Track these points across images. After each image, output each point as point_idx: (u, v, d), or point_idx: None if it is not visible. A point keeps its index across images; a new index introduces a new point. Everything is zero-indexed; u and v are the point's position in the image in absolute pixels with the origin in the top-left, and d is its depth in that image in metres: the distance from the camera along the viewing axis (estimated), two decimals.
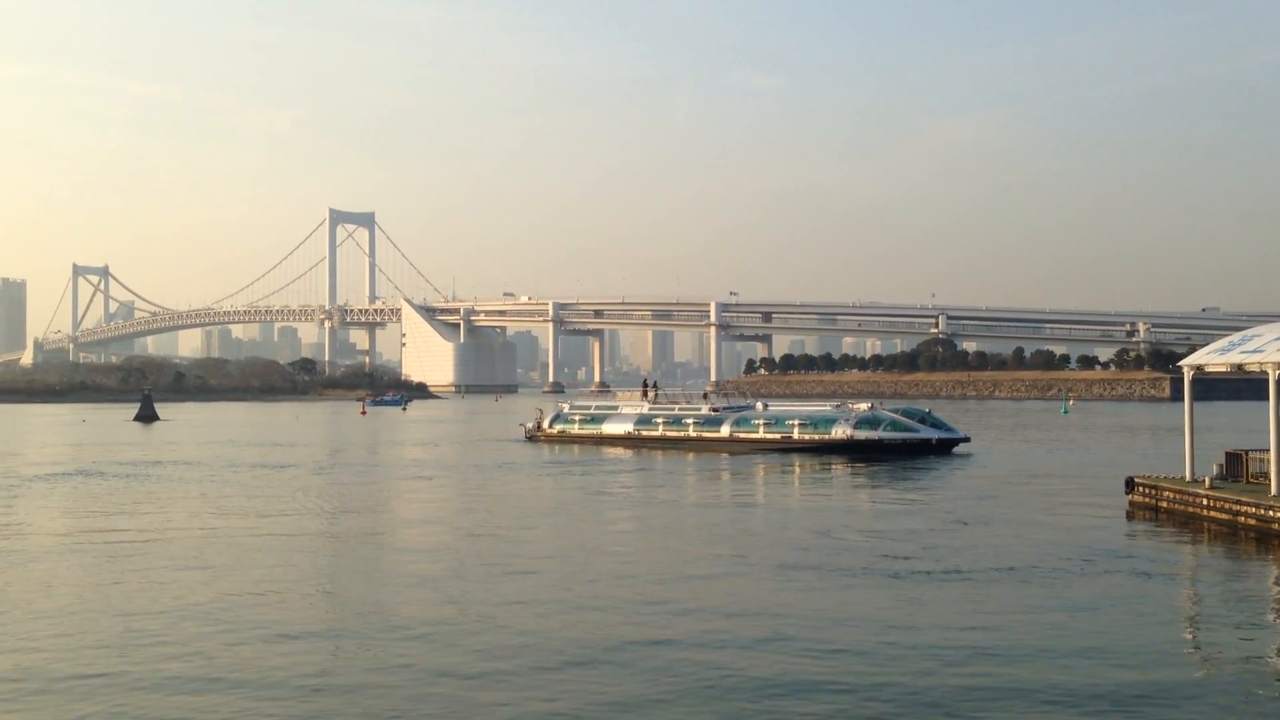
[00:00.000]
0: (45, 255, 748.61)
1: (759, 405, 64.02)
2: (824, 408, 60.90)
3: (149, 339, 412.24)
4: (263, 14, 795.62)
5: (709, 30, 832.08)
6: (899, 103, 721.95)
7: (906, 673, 14.33)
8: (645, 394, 72.02)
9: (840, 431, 54.43)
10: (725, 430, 58.67)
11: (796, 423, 56.71)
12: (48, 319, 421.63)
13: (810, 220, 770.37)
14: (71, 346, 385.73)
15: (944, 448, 54.18)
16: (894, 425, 54.53)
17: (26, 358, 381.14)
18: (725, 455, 54.55)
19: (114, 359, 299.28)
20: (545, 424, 68.24)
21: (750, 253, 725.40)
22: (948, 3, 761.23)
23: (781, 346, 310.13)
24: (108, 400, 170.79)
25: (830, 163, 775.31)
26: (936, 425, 56.14)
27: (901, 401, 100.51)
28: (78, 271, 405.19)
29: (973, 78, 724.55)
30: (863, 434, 53.82)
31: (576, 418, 67.40)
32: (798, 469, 47.14)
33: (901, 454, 52.24)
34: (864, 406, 58.47)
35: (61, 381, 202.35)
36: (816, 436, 55.18)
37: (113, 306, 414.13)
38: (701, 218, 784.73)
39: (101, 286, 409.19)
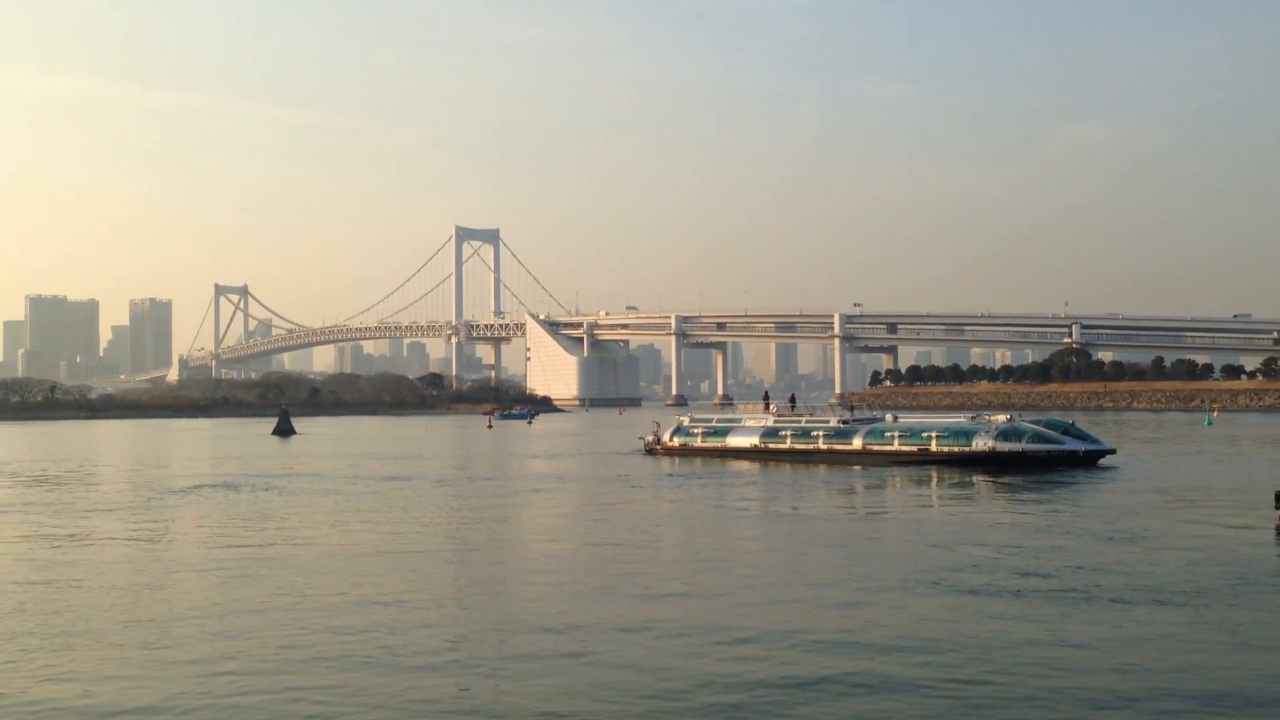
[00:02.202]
0: (189, 276, 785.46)
1: (889, 417, 62.41)
2: (959, 419, 59.16)
3: (285, 355, 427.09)
4: (390, 37, 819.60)
5: (833, 39, 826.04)
6: (1030, 107, 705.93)
7: (1040, 701, 13.76)
8: (767, 406, 70.83)
9: (981, 443, 52.45)
10: (857, 442, 57.32)
11: (934, 434, 54.77)
12: (191, 337, 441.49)
13: (937, 228, 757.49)
14: (214, 363, 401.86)
15: (1090, 460, 52.07)
16: (1037, 437, 52.50)
17: (173, 374, 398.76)
18: (858, 468, 53.40)
19: (253, 375, 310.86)
20: (665, 437, 67.86)
21: (875, 262, 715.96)
22: (1079, 4, 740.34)
23: (907, 358, 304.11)
24: (248, 415, 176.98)
25: (958, 169, 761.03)
26: (1081, 437, 53.98)
27: (1034, 413, 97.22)
28: (219, 291, 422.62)
29: (1106, 80, 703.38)
30: (1005, 446, 51.82)
31: (698, 430, 66.70)
32: (935, 481, 45.88)
33: (1046, 467, 50.32)
34: (1002, 418, 55.98)
35: (205, 397, 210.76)
36: (956, 449, 53.24)
37: (251, 324, 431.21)
38: (825, 227, 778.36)
39: (241, 305, 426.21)
